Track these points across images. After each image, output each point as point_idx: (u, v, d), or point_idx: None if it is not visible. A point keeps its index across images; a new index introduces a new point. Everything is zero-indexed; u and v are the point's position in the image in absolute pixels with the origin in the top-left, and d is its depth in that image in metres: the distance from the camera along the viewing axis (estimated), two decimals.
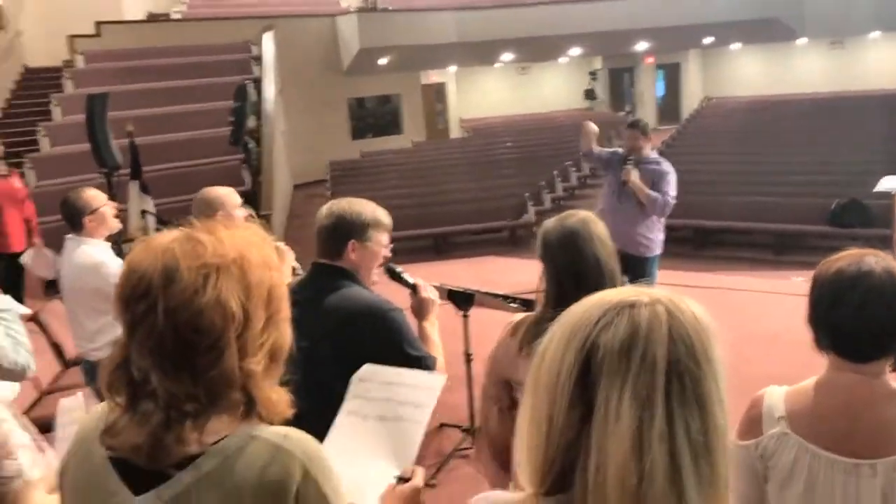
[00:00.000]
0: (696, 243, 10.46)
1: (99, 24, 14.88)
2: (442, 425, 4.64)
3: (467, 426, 4.54)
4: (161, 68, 13.57)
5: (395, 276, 2.63)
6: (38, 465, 1.79)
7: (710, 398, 0.95)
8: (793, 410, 1.62)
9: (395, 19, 17.02)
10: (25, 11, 15.60)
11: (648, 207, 5.34)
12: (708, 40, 21.61)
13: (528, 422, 1.00)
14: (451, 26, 16.94)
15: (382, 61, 17.76)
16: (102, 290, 3.66)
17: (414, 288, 2.61)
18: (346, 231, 2.41)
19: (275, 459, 1.12)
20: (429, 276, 4.62)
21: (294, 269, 2.81)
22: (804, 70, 22.91)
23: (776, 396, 1.66)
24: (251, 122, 12.56)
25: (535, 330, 2.11)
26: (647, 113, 23.42)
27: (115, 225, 3.88)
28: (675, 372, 0.93)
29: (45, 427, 2.04)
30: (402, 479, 1.57)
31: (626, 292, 1.01)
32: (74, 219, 3.71)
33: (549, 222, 2.26)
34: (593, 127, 5.67)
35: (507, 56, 20.54)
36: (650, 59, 24.44)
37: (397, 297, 2.52)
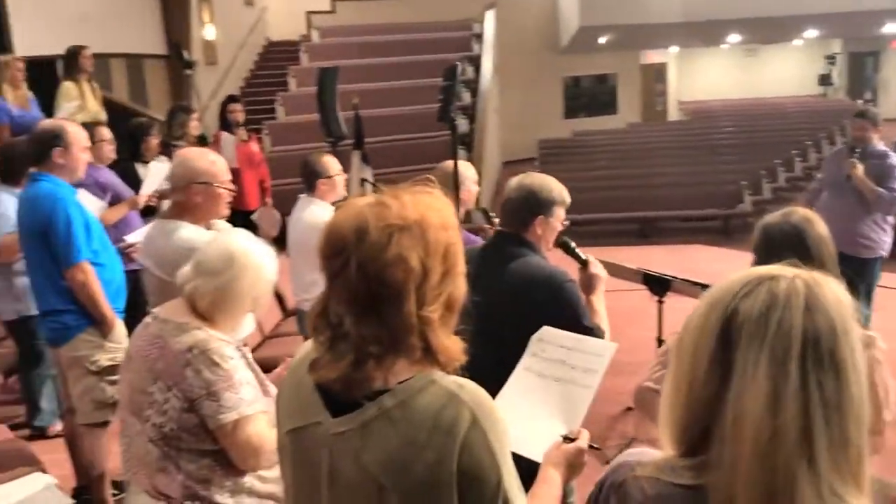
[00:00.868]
0: None
1: (334, 0, 15.84)
2: (628, 409, 4.64)
3: None
4: (388, 44, 14.23)
5: (569, 251, 2.75)
6: (258, 401, 2.04)
7: (844, 366, 1.00)
8: None
9: None
10: None
11: (873, 205, 4.97)
12: None
13: (672, 386, 1.09)
14: (677, 5, 16.35)
15: (601, 40, 17.52)
16: None
17: (585, 263, 2.73)
18: (535, 206, 2.55)
19: (449, 404, 1.25)
20: (630, 260, 4.61)
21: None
22: None
23: None
24: (465, 99, 12.91)
25: None
26: (892, 102, 21.38)
27: (343, 192, 4.23)
28: (810, 339, 0.99)
29: (267, 367, 2.29)
30: (568, 439, 1.66)
31: (769, 268, 1.07)
32: (310, 180, 4.08)
33: (772, 217, 2.23)
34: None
35: (734, 37, 19.53)
36: None
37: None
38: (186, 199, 2.91)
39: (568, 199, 2.65)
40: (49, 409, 4.44)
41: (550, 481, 1.57)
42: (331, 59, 12.64)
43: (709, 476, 1.03)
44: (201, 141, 6.39)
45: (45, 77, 7.03)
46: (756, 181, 12.27)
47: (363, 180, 8.15)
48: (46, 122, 3.68)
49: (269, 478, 2.07)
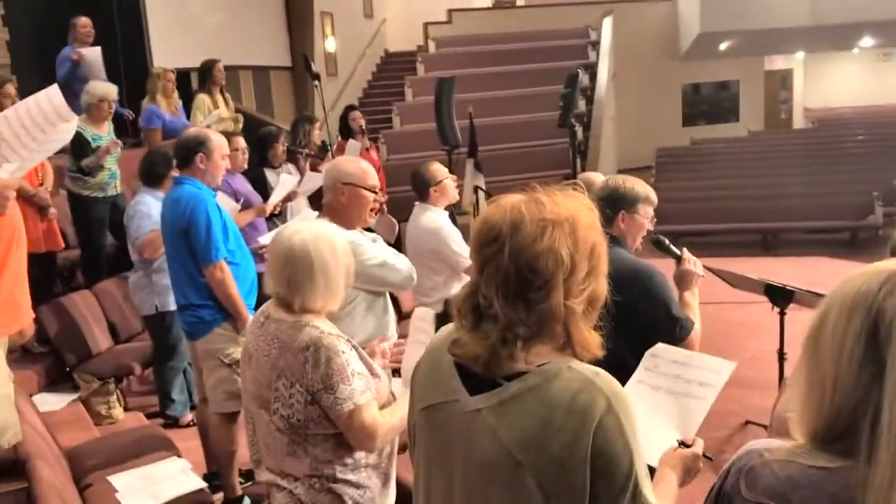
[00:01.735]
0: None
1: (451, 11, 16.08)
2: (747, 422, 4.52)
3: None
4: (502, 53, 14.31)
5: (662, 247, 2.84)
6: (369, 390, 2.16)
7: None
8: None
9: (741, 1, 16.22)
10: (390, 1, 17.37)
11: None
12: None
13: (806, 383, 1.11)
14: (805, 8, 15.72)
15: (722, 46, 17.04)
16: (440, 252, 4.12)
17: (679, 258, 2.81)
18: (618, 202, 2.69)
19: (585, 389, 1.30)
20: (752, 272, 4.50)
21: None
22: None
23: None
24: (581, 107, 12.84)
25: None
26: None
27: (455, 196, 4.33)
28: None
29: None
30: (684, 445, 1.68)
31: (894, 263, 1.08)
32: (421, 188, 4.21)
33: None
34: None
35: (867, 41, 18.57)
36: None
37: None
38: (334, 200, 3.02)
39: (654, 199, 2.76)
40: (181, 400, 4.72)
41: (667, 481, 1.60)
42: (446, 69, 12.81)
43: (854, 471, 1.05)
44: (323, 149, 6.65)
45: (180, 88, 7.48)
46: (888, 191, 11.64)
47: (476, 188, 8.25)
48: (192, 130, 3.94)
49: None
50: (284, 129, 7.36)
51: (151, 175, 4.56)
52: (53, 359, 4.82)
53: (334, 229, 2.35)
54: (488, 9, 18.14)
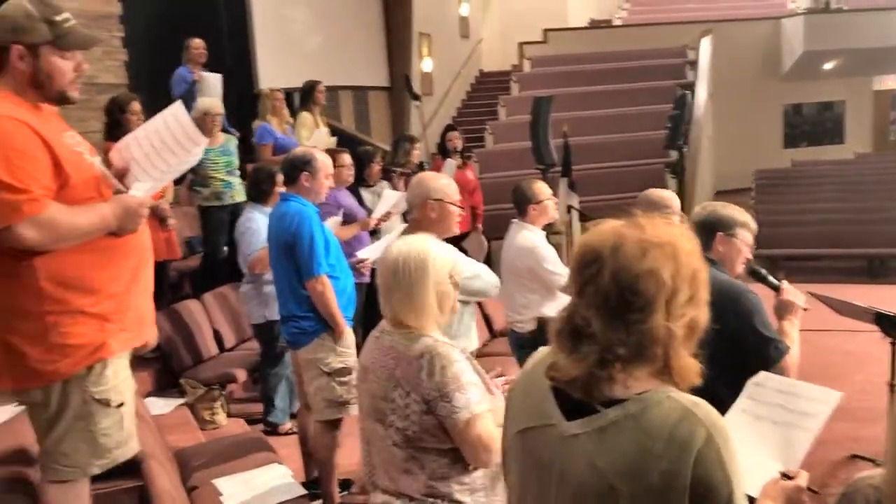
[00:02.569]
0: None
1: (546, 31, 16.11)
2: (854, 456, 4.34)
3: (882, 461, 4.17)
4: (598, 72, 14.24)
5: (759, 277, 2.83)
6: (484, 401, 2.17)
7: None
8: None
9: (849, 20, 15.68)
10: (486, 22, 17.54)
11: None
12: None
13: None
14: None
15: (828, 65, 16.49)
16: (534, 270, 4.15)
17: (777, 289, 2.79)
18: (715, 225, 2.72)
19: (685, 419, 1.30)
20: (858, 299, 4.34)
21: None
22: None
23: None
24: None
25: None
26: None
27: (553, 217, 4.35)
28: None
29: None
30: (786, 476, 1.64)
31: None
32: (522, 204, 4.24)
33: None
34: None
35: None
36: None
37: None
38: (422, 216, 3.17)
39: (753, 226, 2.76)
40: (282, 407, 4.87)
41: None
42: (541, 89, 12.83)
43: None
44: (421, 168, 6.77)
45: None
46: None
47: (570, 207, 8.23)
48: (299, 150, 4.12)
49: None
50: (381, 148, 7.54)
51: (257, 191, 4.77)
52: (163, 364, 5.05)
53: (439, 244, 2.40)
54: (585, 28, 18.07)
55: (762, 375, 1.94)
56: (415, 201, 3.21)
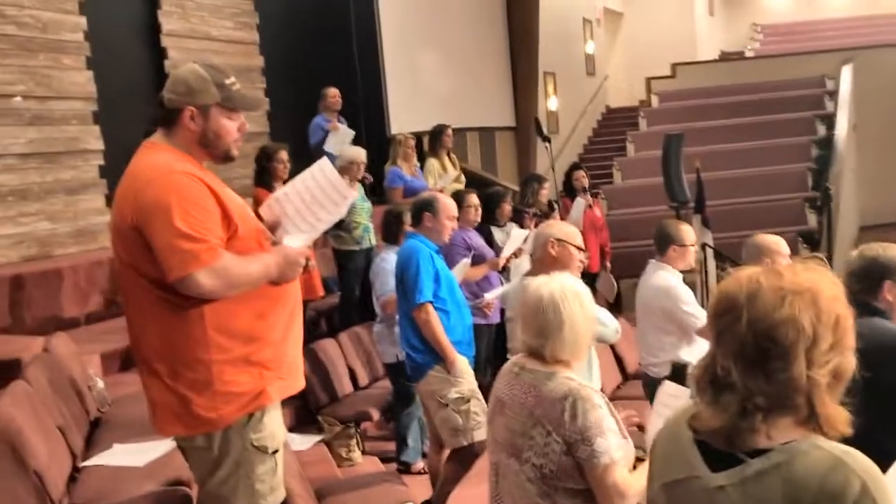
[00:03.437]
0: None
1: (675, 65, 15.86)
2: None
3: None
4: (730, 105, 13.87)
5: None
6: (621, 448, 2.17)
7: None
8: None
9: None
10: (612, 58, 17.46)
11: None
12: None
13: None
14: None
15: None
16: (670, 311, 4.06)
17: None
18: (882, 271, 2.52)
19: (836, 469, 1.25)
20: None
21: None
22: None
23: None
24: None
25: None
26: None
27: (691, 264, 4.26)
28: None
29: None
30: None
31: None
32: (663, 243, 4.17)
33: None
34: None
35: None
36: None
37: None
38: (544, 255, 3.29)
39: None
40: (414, 447, 4.95)
41: None
42: (670, 124, 12.62)
43: None
44: (550, 207, 6.79)
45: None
46: None
47: (704, 245, 8.00)
48: (426, 193, 4.29)
49: None
50: (509, 187, 7.60)
51: (388, 233, 4.95)
52: (302, 401, 5.23)
53: (577, 282, 2.42)
54: (714, 61, 17.69)
55: None
56: (538, 241, 3.37)
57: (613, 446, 2.15)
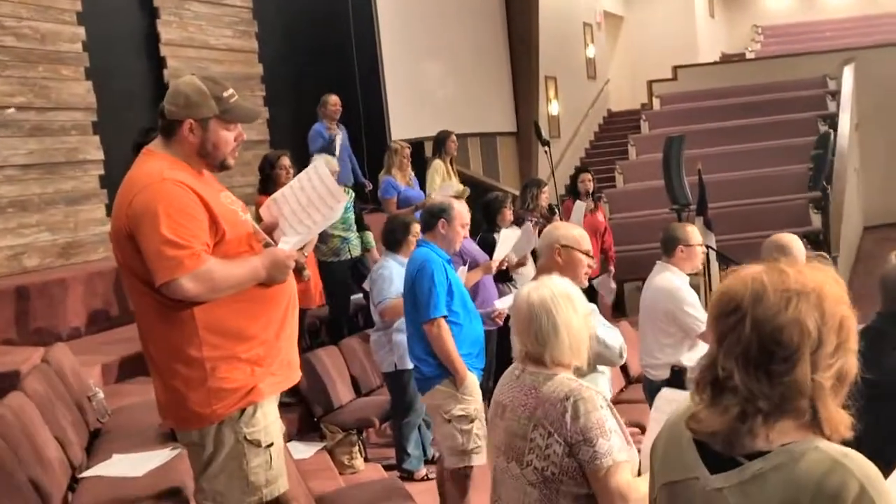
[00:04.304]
0: None
1: (676, 68, 15.84)
2: None
3: None
4: (732, 107, 13.83)
5: None
6: (624, 450, 2.14)
7: None
8: None
9: None
10: (613, 62, 17.45)
11: None
12: None
13: None
14: None
15: None
16: (672, 314, 4.03)
17: None
18: None
19: (834, 471, 1.23)
20: None
21: None
22: None
23: None
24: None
25: None
26: None
27: (698, 266, 4.23)
28: None
29: None
30: None
31: None
32: (670, 245, 4.14)
33: None
34: None
35: None
36: None
37: None
38: (550, 262, 3.15)
39: None
40: (415, 455, 4.92)
41: None
42: (672, 126, 12.59)
43: None
44: (551, 212, 6.77)
45: (414, 156, 7.97)
46: None
47: (707, 247, 7.98)
48: (438, 198, 4.23)
49: None
50: (511, 192, 7.59)
51: (392, 240, 4.88)
52: (303, 409, 5.22)
53: (568, 284, 2.39)
54: (716, 63, 17.67)
55: None
56: (543, 248, 3.23)
57: (616, 448, 2.12)
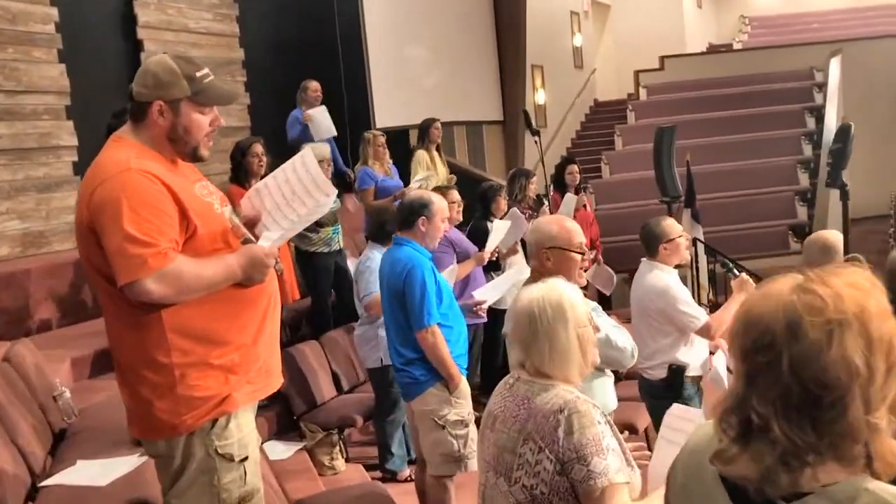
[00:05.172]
0: None
1: (663, 58, 15.71)
2: None
3: None
4: (719, 98, 13.76)
5: None
6: (623, 471, 1.98)
7: None
8: None
9: None
10: (600, 52, 17.29)
11: None
12: None
13: None
14: None
15: None
16: (666, 313, 3.88)
17: None
18: None
19: None
20: None
21: None
22: None
23: None
24: (807, 153, 12.00)
25: None
26: None
27: (685, 257, 4.07)
28: None
29: None
30: None
31: None
32: (651, 244, 3.98)
33: None
34: None
35: None
36: None
37: None
38: (539, 265, 2.98)
39: None
40: (399, 454, 4.76)
41: None
42: (658, 117, 12.50)
43: None
44: (539, 202, 6.62)
45: (398, 145, 7.79)
46: None
47: (695, 239, 7.86)
48: (416, 193, 4.04)
49: None
50: (499, 182, 7.42)
51: (382, 233, 4.64)
52: (282, 407, 5.04)
53: (564, 288, 2.22)
54: (703, 53, 17.55)
55: None
56: (531, 250, 3.03)
57: (612, 468, 1.95)
